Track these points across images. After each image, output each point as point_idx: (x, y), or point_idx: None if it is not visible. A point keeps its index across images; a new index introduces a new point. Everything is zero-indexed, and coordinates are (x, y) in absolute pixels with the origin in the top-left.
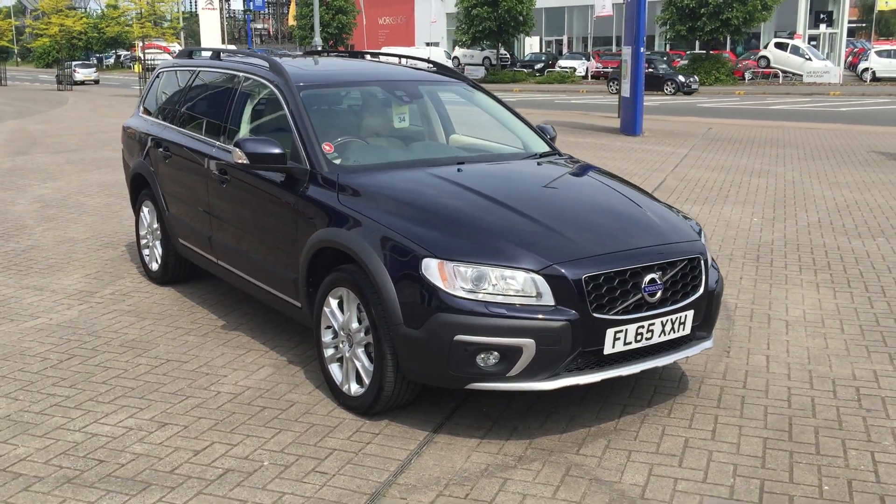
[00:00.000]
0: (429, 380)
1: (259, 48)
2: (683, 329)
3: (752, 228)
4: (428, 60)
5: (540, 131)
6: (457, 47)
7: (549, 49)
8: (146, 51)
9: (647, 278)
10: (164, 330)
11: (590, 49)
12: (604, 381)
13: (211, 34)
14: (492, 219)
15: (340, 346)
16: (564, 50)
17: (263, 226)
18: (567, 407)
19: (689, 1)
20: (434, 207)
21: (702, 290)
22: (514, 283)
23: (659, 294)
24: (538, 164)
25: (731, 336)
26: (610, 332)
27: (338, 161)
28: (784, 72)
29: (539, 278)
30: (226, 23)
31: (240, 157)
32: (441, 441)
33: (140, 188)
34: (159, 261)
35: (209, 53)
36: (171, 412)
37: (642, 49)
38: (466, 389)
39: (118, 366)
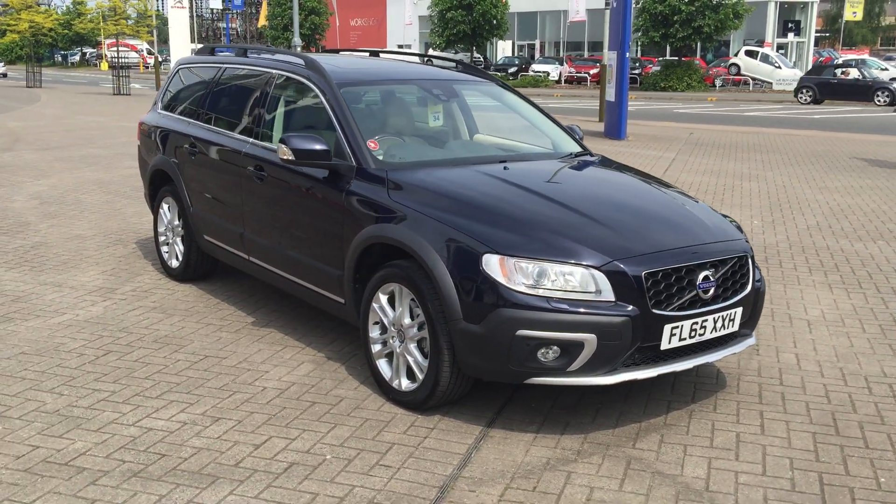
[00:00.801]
0: (487, 375)
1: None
2: (732, 326)
3: (755, 231)
4: (456, 61)
5: (570, 131)
6: (430, 50)
7: (521, 53)
8: (113, 48)
9: (702, 275)
10: (194, 326)
11: (562, 54)
12: (647, 378)
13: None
14: (547, 215)
15: (390, 341)
16: (537, 54)
17: (304, 222)
18: (614, 403)
19: (662, 8)
20: (489, 204)
21: (749, 287)
22: (574, 279)
23: (712, 291)
24: (578, 162)
25: (758, 335)
26: (667, 328)
27: (381, 158)
28: (754, 79)
29: (599, 274)
30: (195, 22)
31: (285, 154)
32: (497, 436)
33: (159, 184)
34: (180, 258)
35: (234, 51)
36: (222, 407)
37: (627, 54)
38: (514, 385)
39: (157, 362)
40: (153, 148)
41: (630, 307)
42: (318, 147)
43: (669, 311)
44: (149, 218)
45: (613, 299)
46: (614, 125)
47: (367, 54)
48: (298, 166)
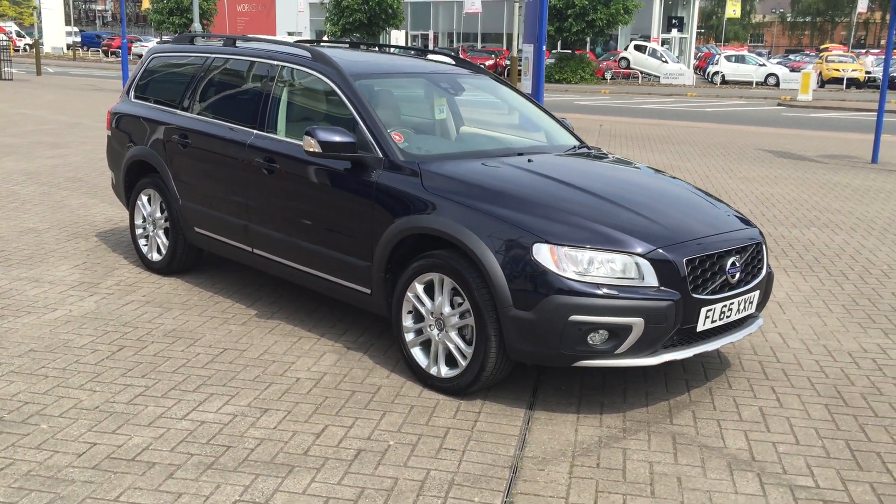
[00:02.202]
0: (536, 359)
1: (105, 31)
2: (751, 308)
3: None
4: (450, 55)
5: (564, 124)
6: (325, 38)
7: (414, 43)
8: None
9: (730, 261)
10: (198, 320)
11: (455, 45)
12: (683, 358)
13: (54, 16)
14: (587, 205)
15: (427, 329)
16: (430, 45)
17: (325, 214)
18: (636, 383)
19: (556, 2)
20: (529, 195)
21: (764, 272)
22: (620, 267)
23: (737, 276)
24: (590, 155)
25: None
26: (703, 311)
27: (408, 150)
28: (643, 73)
29: (644, 262)
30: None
31: (312, 146)
32: (542, 417)
33: (138, 176)
34: (164, 250)
35: (222, 40)
36: (265, 398)
37: (544, 48)
38: (541, 368)
39: (177, 356)
40: (128, 138)
41: (673, 292)
42: (345, 139)
43: (704, 295)
44: (99, 209)
45: (657, 284)
46: None
47: (347, 45)
48: (322, 159)
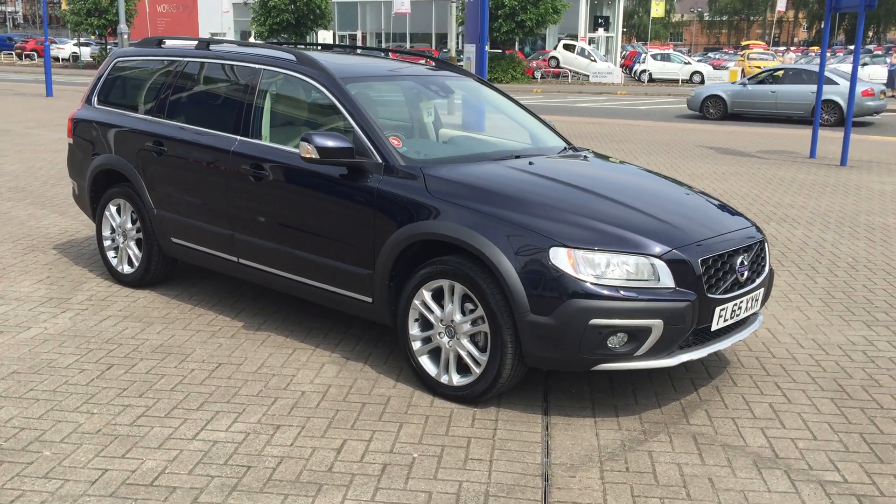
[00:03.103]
0: (554, 364)
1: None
2: (757, 305)
3: None
4: (428, 56)
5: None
6: (251, 39)
7: (343, 44)
8: None
9: (739, 260)
10: (184, 334)
11: (383, 45)
12: (699, 358)
13: None
14: (595, 207)
15: (436, 337)
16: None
17: (321, 222)
18: (643, 384)
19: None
20: (539, 198)
21: (767, 270)
22: (635, 269)
23: (746, 274)
24: (585, 157)
25: None
26: (717, 311)
27: (408, 154)
28: (572, 72)
29: (660, 263)
30: None
31: (308, 152)
32: (559, 422)
33: (105, 185)
34: (136, 262)
35: (193, 43)
36: (275, 414)
37: (486, 47)
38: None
39: (170, 372)
40: (93, 146)
41: (690, 292)
42: (343, 145)
43: (718, 294)
44: (51, 220)
45: (673, 286)
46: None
47: (319, 48)
48: (317, 165)
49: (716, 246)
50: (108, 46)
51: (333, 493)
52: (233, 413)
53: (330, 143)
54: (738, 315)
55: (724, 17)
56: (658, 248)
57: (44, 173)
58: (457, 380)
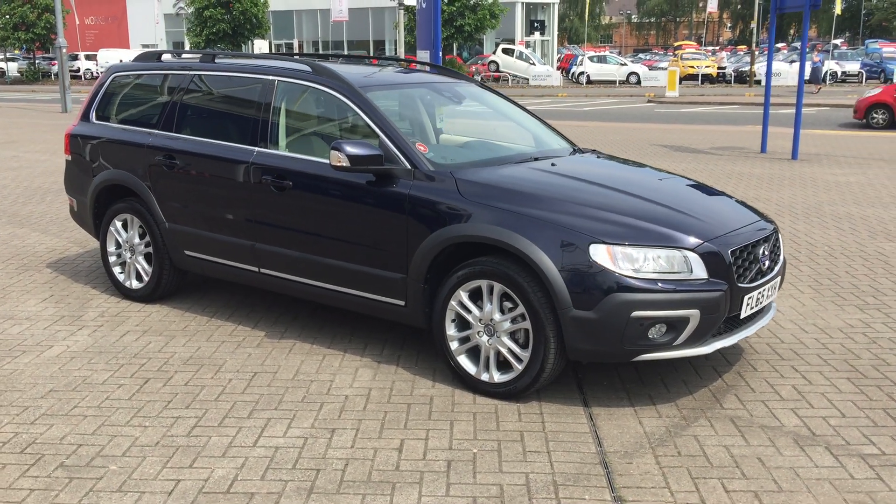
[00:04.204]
0: (597, 357)
1: None
2: (775, 292)
3: None
4: (427, 63)
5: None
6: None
7: (279, 52)
8: None
9: (761, 250)
10: (209, 345)
11: (320, 52)
12: (731, 345)
13: None
14: (625, 204)
15: (475, 336)
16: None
17: (349, 229)
18: (668, 373)
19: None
20: (571, 197)
21: (782, 258)
22: (670, 262)
23: (767, 263)
24: (600, 157)
25: None
26: (746, 299)
27: (435, 160)
28: (512, 75)
29: (693, 255)
30: None
31: (339, 160)
32: (601, 413)
33: (109, 201)
34: (145, 277)
35: (197, 56)
36: (326, 419)
37: (440, 54)
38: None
39: (209, 383)
40: (93, 162)
41: (722, 283)
42: (373, 152)
43: (746, 283)
44: (35, 239)
45: (706, 277)
46: None
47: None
48: (344, 173)
49: (741, 237)
50: (37, 61)
51: (408, 490)
52: (284, 419)
53: (360, 151)
54: (761, 302)
55: (652, 19)
56: (692, 241)
57: (9, 192)
58: (498, 377)
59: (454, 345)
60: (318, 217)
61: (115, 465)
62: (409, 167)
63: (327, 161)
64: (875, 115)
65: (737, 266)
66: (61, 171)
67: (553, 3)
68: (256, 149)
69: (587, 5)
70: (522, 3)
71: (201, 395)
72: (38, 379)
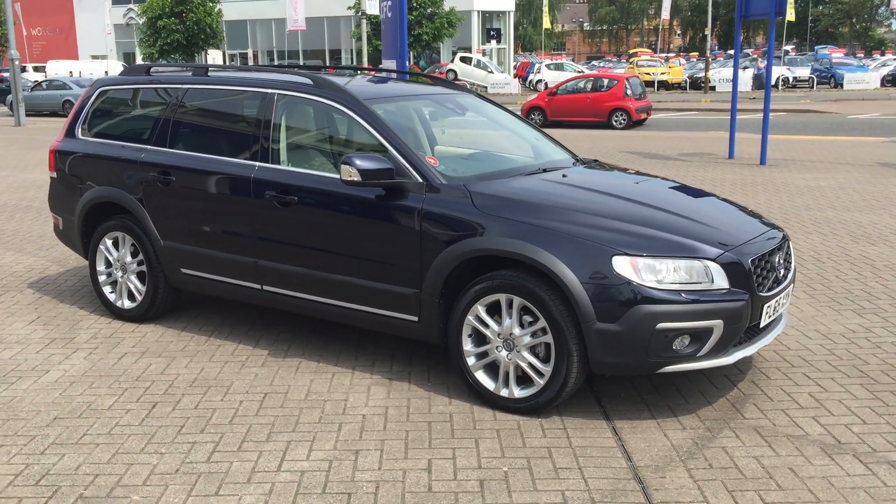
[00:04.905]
0: (621, 370)
1: None
2: (788, 300)
3: None
4: (426, 75)
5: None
6: (140, 61)
7: (233, 62)
8: None
9: (776, 258)
10: (213, 366)
11: (276, 62)
12: (752, 354)
13: None
14: (643, 215)
15: (495, 351)
16: (250, 63)
17: (358, 244)
18: (683, 384)
19: (378, 18)
20: (587, 209)
21: (793, 266)
22: (692, 272)
23: (782, 271)
24: (609, 168)
25: None
26: (765, 308)
27: (446, 173)
28: (471, 83)
29: (714, 266)
30: None
31: (350, 175)
32: (624, 426)
33: (100, 219)
34: (138, 296)
35: (191, 70)
36: (347, 440)
37: (407, 63)
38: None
39: (220, 406)
40: (81, 179)
41: (743, 292)
42: (384, 166)
43: (765, 292)
44: (10, 258)
45: (727, 286)
46: None
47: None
48: (353, 188)
49: (759, 246)
50: None
51: None
52: (304, 442)
53: (371, 165)
54: (777, 311)
55: (604, 27)
56: (713, 252)
57: None
58: (518, 392)
59: (471, 360)
60: (325, 232)
61: (137, 494)
62: (420, 180)
63: (334, 175)
64: (532, 117)
65: (756, 275)
66: (25, 187)
67: (508, 12)
68: (258, 164)
69: (545, 14)
70: (479, 11)
71: (214, 419)
72: (40, 406)
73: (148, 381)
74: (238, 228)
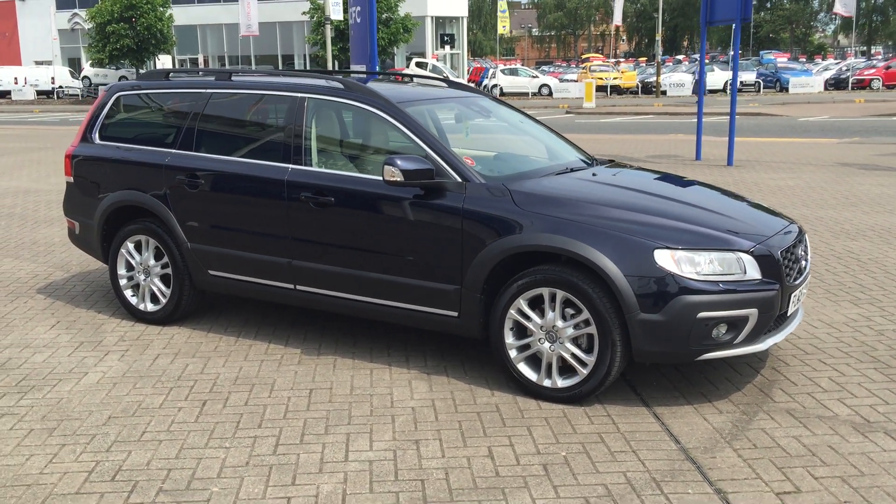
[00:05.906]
0: (663, 358)
1: None
2: (807, 290)
3: None
4: (440, 78)
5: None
6: (87, 66)
7: (182, 67)
8: None
9: (799, 250)
10: (251, 365)
11: (227, 66)
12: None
13: None
14: (677, 211)
15: (536, 343)
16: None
17: (398, 243)
18: (709, 371)
19: (338, 23)
20: (623, 205)
21: (810, 258)
22: (727, 264)
23: (803, 262)
24: (631, 168)
25: None
26: (791, 297)
27: (484, 173)
28: None
29: (748, 257)
30: None
31: (392, 175)
32: (664, 412)
33: (121, 223)
34: (163, 299)
35: (214, 74)
36: (403, 431)
37: (377, 68)
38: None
39: (269, 402)
40: (100, 183)
41: (773, 282)
42: (425, 167)
43: (792, 282)
44: (12, 265)
45: (760, 277)
46: None
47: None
48: (393, 188)
49: (784, 239)
50: None
51: (520, 494)
52: (363, 433)
53: (413, 166)
54: (800, 299)
55: (553, 32)
56: (746, 244)
57: None
58: (561, 382)
59: (513, 353)
60: (364, 232)
61: (216, 486)
62: (459, 180)
63: (370, 176)
64: None
65: (785, 266)
66: (1, 195)
67: (462, 17)
68: (291, 166)
69: (501, 19)
70: (433, 17)
71: (267, 415)
72: (90, 406)
73: (191, 381)
74: (270, 229)
